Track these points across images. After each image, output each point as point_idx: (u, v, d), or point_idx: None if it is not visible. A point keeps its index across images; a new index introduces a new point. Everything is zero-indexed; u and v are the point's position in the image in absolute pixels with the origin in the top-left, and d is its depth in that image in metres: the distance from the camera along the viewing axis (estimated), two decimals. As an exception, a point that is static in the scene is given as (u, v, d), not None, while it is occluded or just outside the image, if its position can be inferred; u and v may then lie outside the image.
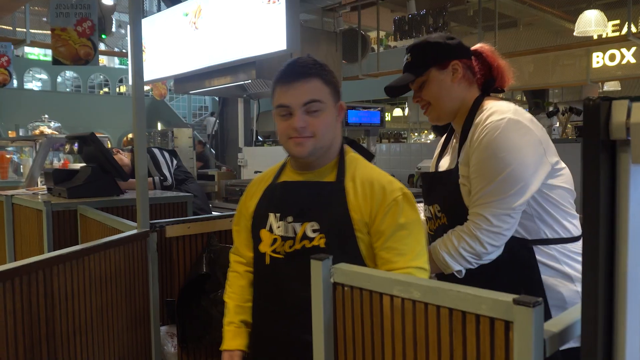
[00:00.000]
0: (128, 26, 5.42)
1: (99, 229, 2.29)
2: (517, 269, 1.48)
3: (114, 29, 6.68)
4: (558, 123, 3.94)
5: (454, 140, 1.67)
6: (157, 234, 1.95)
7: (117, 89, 19.23)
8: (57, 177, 2.90)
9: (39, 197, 2.84)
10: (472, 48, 1.64)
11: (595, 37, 6.37)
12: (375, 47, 7.69)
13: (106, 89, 19.21)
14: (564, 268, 1.47)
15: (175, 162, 3.56)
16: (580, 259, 1.30)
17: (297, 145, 1.34)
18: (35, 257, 1.42)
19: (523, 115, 1.49)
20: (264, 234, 1.41)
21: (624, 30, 6.85)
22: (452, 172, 1.56)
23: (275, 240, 1.38)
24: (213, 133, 16.47)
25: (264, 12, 3.72)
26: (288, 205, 1.38)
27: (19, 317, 1.31)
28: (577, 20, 5.93)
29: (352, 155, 1.44)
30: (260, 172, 5.48)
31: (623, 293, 0.85)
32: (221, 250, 2.15)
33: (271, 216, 1.40)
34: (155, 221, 1.98)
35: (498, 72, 1.62)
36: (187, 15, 4.38)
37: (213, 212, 3.97)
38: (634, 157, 0.83)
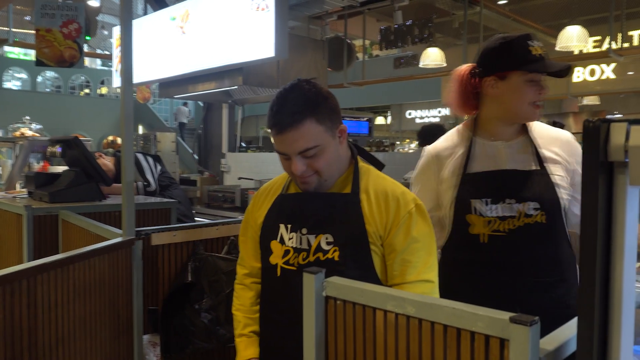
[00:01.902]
0: (113, 28, 5.37)
1: (82, 235, 2.24)
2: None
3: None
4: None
5: (500, 144, 1.65)
6: (142, 241, 1.92)
7: (99, 91, 18.98)
8: (38, 180, 2.84)
9: (19, 200, 2.78)
10: None
11: (576, 52, 6.49)
12: (360, 55, 7.72)
13: (87, 90, 18.96)
14: None
15: (159, 167, 3.52)
16: None
17: (302, 183, 1.35)
18: (19, 265, 1.38)
19: None
20: (275, 245, 1.39)
21: (604, 46, 7.01)
22: (544, 173, 1.58)
23: (287, 252, 1.36)
24: (186, 122, 16.36)
25: (253, 18, 3.71)
26: (301, 216, 1.36)
27: (0, 328, 1.27)
28: (559, 36, 6.03)
29: (363, 165, 1.43)
30: (244, 178, 5.44)
31: (618, 311, 0.86)
32: (206, 258, 2.13)
33: (282, 227, 1.38)
34: (141, 229, 1.95)
35: None
36: (174, 19, 4.35)
37: (196, 219, 3.93)
38: (631, 179, 0.84)
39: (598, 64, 7.46)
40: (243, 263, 1.55)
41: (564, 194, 1.59)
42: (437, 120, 13.53)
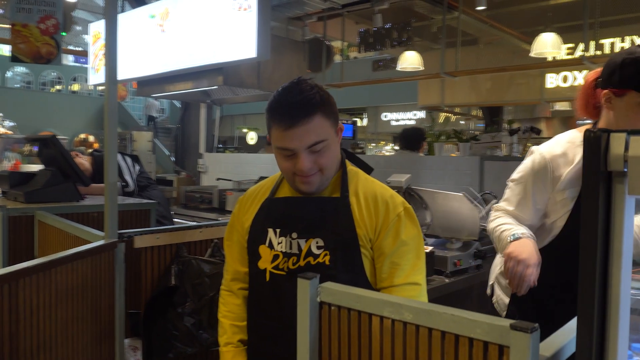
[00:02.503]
0: (90, 25, 5.27)
1: (60, 237, 2.19)
2: None
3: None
4: (518, 141, 4.07)
5: None
6: (124, 244, 1.88)
7: (70, 88, 18.56)
8: (13, 180, 2.76)
9: (-8, 200, 2.70)
10: None
11: (550, 59, 6.62)
12: (340, 57, 7.73)
13: (59, 87, 18.52)
14: None
15: (137, 167, 3.46)
16: None
17: (304, 183, 1.32)
18: (1, 270, 1.33)
19: None
20: (264, 250, 1.37)
21: (577, 54, 7.17)
22: None
23: (276, 256, 1.34)
24: (156, 116, 16.08)
25: (235, 18, 3.68)
26: (291, 221, 1.34)
27: (-19, 334, 1.23)
28: (534, 42, 6.14)
29: (352, 169, 1.42)
30: (222, 179, 5.39)
31: (615, 315, 0.88)
32: (190, 261, 2.09)
33: (270, 232, 1.37)
34: (123, 231, 1.91)
35: None
36: (153, 17, 4.28)
37: (174, 220, 3.87)
38: (630, 189, 0.86)
39: (571, 70, 7.63)
40: (229, 268, 1.52)
41: None
42: (412, 122, 13.66)
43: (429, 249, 2.38)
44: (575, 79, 7.60)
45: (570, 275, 1.64)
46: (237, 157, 5.85)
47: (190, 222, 4.44)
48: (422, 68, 7.00)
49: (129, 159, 3.43)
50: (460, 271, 2.52)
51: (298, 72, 4.81)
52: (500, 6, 6.75)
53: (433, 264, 2.41)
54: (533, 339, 0.87)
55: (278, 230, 1.35)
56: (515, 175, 1.80)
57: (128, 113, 17.05)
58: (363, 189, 1.38)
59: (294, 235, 1.33)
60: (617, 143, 0.86)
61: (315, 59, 6.66)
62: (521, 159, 3.88)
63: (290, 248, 1.33)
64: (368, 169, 1.53)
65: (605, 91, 1.58)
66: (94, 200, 2.85)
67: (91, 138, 14.02)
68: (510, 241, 1.62)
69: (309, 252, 1.31)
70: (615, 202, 0.87)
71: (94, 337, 1.71)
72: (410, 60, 7.14)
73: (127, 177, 3.31)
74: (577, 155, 1.65)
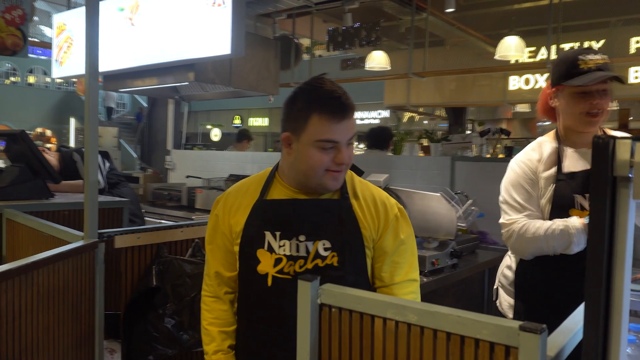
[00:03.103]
0: (54, 16, 5.07)
1: (31, 236, 2.11)
2: None
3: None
4: (486, 142, 4.17)
5: (578, 153, 1.78)
6: (104, 244, 1.83)
7: (26, 80, 17.87)
8: (-23, 176, 2.64)
9: (-45, 198, 2.57)
10: None
11: (513, 61, 6.78)
12: (309, 55, 7.72)
13: (14, 79, 17.81)
14: None
15: (107, 164, 3.36)
16: None
17: (334, 179, 1.33)
18: (-16, 272, 1.27)
19: None
20: (263, 254, 1.34)
21: (539, 57, 7.38)
22: None
23: (279, 260, 1.32)
24: (114, 107, 15.67)
25: (208, 14, 3.61)
26: (295, 223, 1.33)
27: (-36, 340, 1.17)
28: (498, 45, 6.28)
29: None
30: (192, 176, 5.28)
31: (618, 314, 0.91)
32: (171, 262, 2.05)
33: (268, 235, 1.34)
34: (103, 231, 1.85)
35: None
36: (122, 10, 4.16)
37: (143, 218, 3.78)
38: (635, 193, 0.89)
39: (533, 73, 7.84)
40: (212, 273, 1.46)
41: None
42: (377, 122, 13.78)
43: (408, 248, 2.40)
44: (537, 81, 7.82)
45: (569, 263, 1.72)
46: (205, 155, 5.76)
47: (166, 221, 4.36)
48: (389, 68, 7.06)
49: (98, 156, 3.33)
50: (437, 270, 2.56)
51: (270, 69, 4.78)
52: (466, 9, 6.88)
53: (412, 263, 2.43)
54: (542, 339, 0.89)
55: (278, 234, 1.33)
56: (506, 189, 1.88)
57: (87, 107, 16.52)
58: (361, 191, 1.40)
59: (302, 237, 1.32)
60: (622, 149, 0.89)
61: (283, 57, 6.62)
62: (491, 160, 3.98)
63: (297, 251, 1.32)
64: (359, 172, 1.54)
65: (550, 91, 1.80)
66: (65, 197, 2.76)
67: (48, 132, 13.56)
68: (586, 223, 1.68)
69: (317, 255, 1.32)
70: (620, 206, 0.90)
71: (75, 341, 1.66)
72: (377, 60, 7.19)
73: (97, 174, 3.21)
74: (545, 146, 1.84)
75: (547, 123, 11.47)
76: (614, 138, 0.89)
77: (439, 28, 6.94)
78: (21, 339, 1.37)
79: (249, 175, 4.65)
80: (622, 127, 3.36)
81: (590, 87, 1.67)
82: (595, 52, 1.70)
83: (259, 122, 16.46)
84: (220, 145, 9.43)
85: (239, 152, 5.91)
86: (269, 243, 1.34)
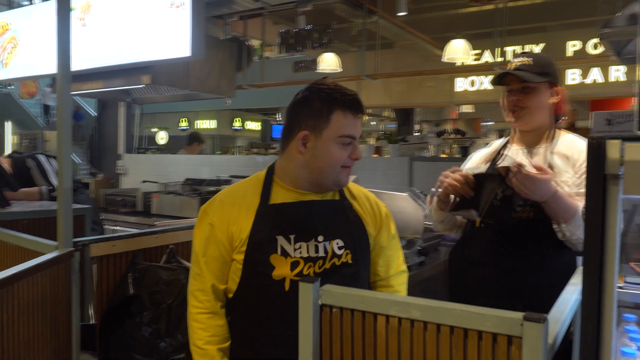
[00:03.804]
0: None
1: (-6, 247, 2.01)
2: (567, 272, 1.65)
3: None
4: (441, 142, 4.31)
5: (523, 151, 1.87)
6: (79, 253, 1.77)
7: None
8: None
9: None
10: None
11: (459, 64, 7.02)
12: (261, 57, 7.69)
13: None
14: None
15: (64, 170, 3.24)
16: None
17: (347, 175, 1.39)
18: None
19: None
20: (277, 259, 1.34)
21: (483, 59, 7.67)
22: None
23: (296, 263, 1.33)
24: (51, 105, 14.95)
25: (167, 15, 3.55)
26: (311, 225, 1.37)
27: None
28: (445, 48, 6.49)
29: None
30: (148, 181, 5.16)
31: (610, 304, 0.98)
32: (147, 269, 2.01)
33: (281, 239, 1.34)
34: (78, 239, 1.80)
35: (565, 112, 1.91)
36: (73, 10, 4.01)
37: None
38: (626, 189, 0.96)
39: (478, 75, 8.13)
40: (207, 287, 1.39)
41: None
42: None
43: (379, 247, 2.46)
44: (482, 83, 8.10)
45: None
46: (159, 159, 5.64)
47: (120, 228, 4.24)
48: (340, 70, 7.14)
49: (54, 161, 3.21)
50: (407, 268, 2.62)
51: (226, 71, 4.74)
52: (415, 12, 7.05)
53: (384, 262, 2.48)
54: (545, 328, 0.95)
55: (293, 237, 1.35)
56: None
57: (24, 110, 15.76)
58: (354, 191, 1.48)
59: (320, 238, 1.36)
60: (613, 149, 0.96)
61: (235, 59, 6.56)
62: (448, 160, 4.10)
63: (317, 252, 1.35)
64: None
65: (560, 89, 1.90)
66: (22, 206, 2.65)
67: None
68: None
69: (334, 254, 1.37)
70: (610, 202, 0.97)
71: (53, 354, 1.61)
72: (328, 62, 7.26)
73: (54, 180, 3.10)
74: (497, 143, 2.03)
75: (490, 123, 11.92)
76: (604, 138, 0.96)
77: (389, 31, 7.08)
78: (3, 354, 1.32)
79: (205, 180, 4.60)
80: (570, 127, 3.55)
81: (511, 86, 1.82)
82: (522, 55, 1.85)
83: (206, 124, 16.21)
84: (166, 149, 9.23)
85: (193, 155, 5.82)
86: (282, 247, 1.34)
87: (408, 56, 7.90)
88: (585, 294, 0.96)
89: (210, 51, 4.46)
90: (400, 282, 1.56)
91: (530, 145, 1.87)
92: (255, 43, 8.26)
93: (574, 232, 1.65)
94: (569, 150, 1.79)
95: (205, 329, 1.38)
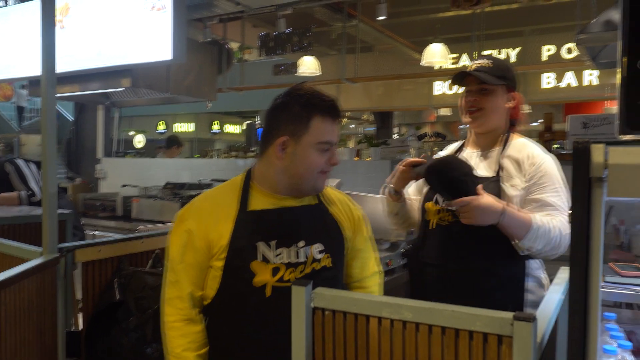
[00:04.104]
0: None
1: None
2: (515, 275, 1.73)
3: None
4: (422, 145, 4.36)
5: (476, 153, 1.88)
6: (64, 259, 1.75)
7: None
8: None
9: None
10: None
11: (437, 67, 7.11)
12: (239, 60, 7.67)
13: None
14: (539, 275, 1.77)
15: (43, 174, 3.20)
16: (543, 272, 1.80)
17: (325, 180, 1.41)
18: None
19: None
20: (258, 265, 1.34)
21: (461, 63, 7.78)
22: (494, 179, 1.77)
23: (277, 269, 1.34)
24: (25, 106, 14.66)
25: (148, 18, 3.52)
26: (291, 230, 1.37)
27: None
28: (424, 52, 6.56)
29: None
30: (129, 185, 5.10)
31: (595, 304, 1.02)
32: (133, 274, 2.00)
33: (261, 246, 1.34)
34: (64, 245, 1.78)
35: (520, 118, 1.92)
36: (41, 12, 3.95)
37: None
38: (610, 192, 1.00)
39: (456, 78, 8.23)
40: (185, 294, 1.38)
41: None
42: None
43: (364, 250, 2.48)
44: (459, 87, 8.21)
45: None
46: (138, 162, 5.59)
47: (100, 232, 4.19)
48: (319, 73, 7.17)
49: (33, 166, 3.17)
50: (391, 271, 2.65)
51: (207, 74, 4.72)
52: (393, 16, 7.12)
53: (369, 264, 2.51)
54: (534, 327, 0.98)
55: (274, 243, 1.35)
56: None
57: (-2, 115, 15.43)
58: (330, 194, 1.51)
59: (301, 244, 1.36)
60: (597, 153, 0.99)
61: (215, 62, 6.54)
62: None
63: (298, 257, 1.36)
64: None
65: (516, 94, 1.94)
66: (1, 211, 2.60)
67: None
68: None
69: (313, 259, 1.38)
70: (595, 204, 1.01)
71: (39, 362, 1.59)
72: (308, 65, 7.28)
73: (33, 185, 3.05)
74: (453, 146, 2.06)
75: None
76: (588, 143, 1.00)
77: (368, 35, 7.13)
78: (-9, 363, 1.30)
79: (186, 184, 4.56)
80: (547, 129, 3.64)
81: (470, 87, 1.84)
82: (483, 58, 1.88)
83: (184, 127, 16.09)
84: (145, 152, 9.15)
85: (173, 159, 5.78)
86: (263, 254, 1.34)
87: (387, 60, 7.96)
88: (572, 292, 0.99)
89: (191, 54, 4.44)
90: (374, 282, 1.58)
91: (484, 148, 1.87)
92: (234, 46, 8.25)
93: (532, 245, 1.66)
94: (520, 154, 1.79)
95: (184, 336, 1.37)
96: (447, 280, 1.77)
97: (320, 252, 1.39)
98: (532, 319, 0.97)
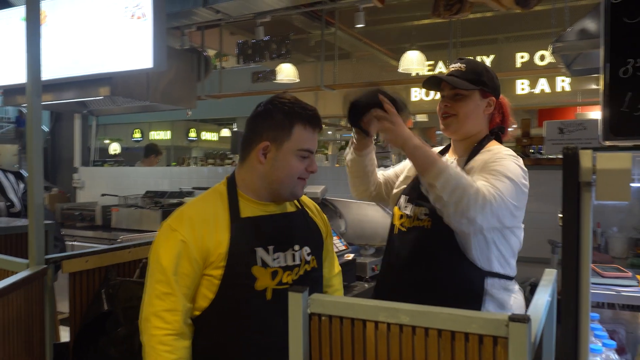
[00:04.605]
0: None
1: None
2: (466, 293, 1.63)
3: None
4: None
5: (451, 160, 1.73)
6: (52, 271, 1.73)
7: None
8: None
9: None
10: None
11: (414, 74, 7.21)
12: (218, 68, 7.64)
13: None
14: (503, 298, 1.66)
15: (22, 185, 3.15)
16: (513, 294, 1.68)
17: (303, 187, 1.47)
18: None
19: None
20: (258, 270, 1.37)
21: (437, 70, 7.90)
22: None
23: (275, 272, 1.38)
24: None
25: (128, 26, 3.50)
26: (287, 235, 1.45)
27: None
28: (401, 59, 6.65)
29: None
30: (108, 194, 5.03)
31: (586, 303, 1.05)
32: (120, 284, 1.98)
33: (260, 251, 1.38)
34: (50, 256, 1.75)
35: (507, 123, 1.83)
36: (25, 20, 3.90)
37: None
38: (598, 195, 1.04)
39: (432, 86, 8.35)
40: (179, 307, 1.36)
41: None
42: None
43: (350, 256, 2.50)
44: (436, 93, 8.31)
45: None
46: (117, 171, 5.52)
47: (79, 243, 4.12)
48: (298, 80, 7.20)
49: (11, 176, 3.12)
50: (376, 276, 2.68)
51: (187, 82, 4.71)
52: (370, 24, 7.20)
53: (355, 271, 2.53)
54: (529, 328, 1.01)
55: (272, 247, 1.39)
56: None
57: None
58: (305, 201, 1.61)
59: (296, 247, 1.44)
60: (585, 159, 1.04)
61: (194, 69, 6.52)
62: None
63: (294, 260, 1.43)
64: None
65: (493, 98, 1.84)
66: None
67: None
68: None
69: (305, 261, 1.47)
70: (584, 207, 1.05)
71: (28, 375, 1.56)
72: (286, 73, 7.31)
73: (12, 196, 3.00)
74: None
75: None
76: (576, 149, 1.04)
77: (346, 42, 7.20)
78: (-19, 378, 1.28)
79: (167, 192, 4.51)
80: (525, 135, 3.72)
81: (444, 92, 1.77)
82: (458, 61, 1.79)
83: (161, 135, 15.93)
84: (124, 161, 9.03)
85: (152, 167, 5.72)
86: (261, 258, 1.38)
87: (365, 67, 8.05)
88: (564, 291, 1.02)
89: (171, 62, 4.42)
90: (339, 281, 1.72)
91: (462, 155, 1.79)
92: (210, 53, 8.23)
93: (435, 183, 1.47)
94: (488, 154, 1.69)
95: (172, 352, 1.34)
96: (400, 287, 1.73)
97: (308, 254, 1.48)
98: (527, 320, 1.00)
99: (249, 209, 1.44)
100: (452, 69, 1.78)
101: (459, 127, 1.75)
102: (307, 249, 1.48)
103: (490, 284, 1.64)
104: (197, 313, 1.41)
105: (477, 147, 1.74)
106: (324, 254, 1.62)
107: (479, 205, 1.47)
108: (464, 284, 1.64)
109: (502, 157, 1.64)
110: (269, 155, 1.42)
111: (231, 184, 1.48)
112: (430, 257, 1.69)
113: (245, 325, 1.39)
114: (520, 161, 1.67)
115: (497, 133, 1.81)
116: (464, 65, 1.76)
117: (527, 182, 1.63)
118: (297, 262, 1.44)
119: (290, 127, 1.40)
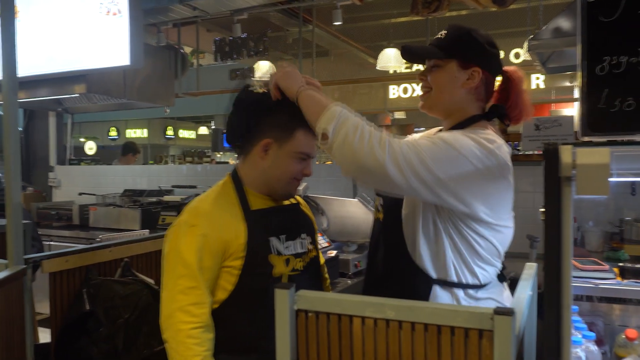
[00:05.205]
0: None
1: None
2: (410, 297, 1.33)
3: None
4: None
5: None
6: (31, 271, 1.70)
7: None
8: None
9: None
10: (504, 68, 1.53)
11: (391, 72, 7.25)
12: (195, 66, 7.58)
13: None
14: None
15: (-4, 184, 3.08)
16: (480, 304, 1.44)
17: (296, 187, 1.54)
18: None
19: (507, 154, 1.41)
20: (274, 258, 1.45)
21: (415, 68, 7.95)
22: None
23: (287, 260, 1.47)
24: None
25: (103, 23, 3.45)
26: (295, 225, 1.54)
27: None
28: (379, 56, 6.69)
29: None
30: (85, 193, 4.95)
31: (567, 295, 1.08)
32: (102, 284, 1.96)
33: (273, 240, 1.46)
34: (29, 256, 1.72)
35: (516, 104, 1.50)
36: (-1, 16, 3.81)
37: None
38: (578, 190, 1.06)
39: (410, 82, 8.42)
40: (205, 300, 1.39)
41: None
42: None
43: (333, 253, 2.51)
44: (414, 90, 8.40)
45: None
46: (93, 170, 5.44)
47: (56, 243, 4.05)
48: (276, 77, 7.18)
49: (-15, 176, 3.04)
50: (359, 272, 2.70)
51: (164, 80, 4.66)
52: (348, 22, 7.22)
53: (338, 268, 2.54)
54: (513, 321, 1.03)
55: (284, 237, 1.48)
56: None
57: None
58: (296, 196, 1.69)
59: (304, 235, 1.55)
60: (566, 154, 1.06)
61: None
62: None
63: (302, 248, 1.53)
64: None
65: (477, 69, 1.52)
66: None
67: None
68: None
69: (309, 249, 1.57)
70: (565, 202, 1.08)
71: (8, 378, 1.54)
72: (263, 70, 7.28)
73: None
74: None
75: (422, 129, 12.33)
76: (556, 144, 1.06)
77: (324, 40, 7.20)
78: (-39, 381, 1.25)
79: (145, 190, 4.46)
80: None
81: (425, 65, 1.54)
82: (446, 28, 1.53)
83: (137, 133, 15.73)
84: (101, 160, 8.90)
85: (129, 166, 5.66)
86: (275, 247, 1.46)
87: (343, 64, 8.06)
88: (547, 284, 1.05)
89: (148, 59, 4.37)
90: (325, 271, 1.77)
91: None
92: (187, 50, 8.14)
93: (327, 128, 1.29)
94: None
95: (201, 344, 1.36)
96: (370, 279, 1.66)
97: (310, 243, 1.58)
98: (511, 313, 1.02)
99: (256, 202, 1.51)
100: (437, 36, 1.52)
101: (433, 102, 1.50)
102: (309, 238, 1.58)
103: (438, 295, 1.42)
104: (215, 306, 1.44)
105: (456, 128, 1.46)
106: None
107: (368, 153, 1.25)
108: (406, 290, 1.37)
109: (461, 134, 1.37)
110: (270, 152, 1.47)
111: (236, 179, 1.53)
112: (382, 252, 1.56)
113: (262, 314, 1.37)
114: (493, 147, 1.35)
115: (495, 114, 1.50)
116: (446, 31, 1.50)
117: (487, 164, 1.33)
118: (305, 249, 1.54)
119: (293, 131, 1.44)
